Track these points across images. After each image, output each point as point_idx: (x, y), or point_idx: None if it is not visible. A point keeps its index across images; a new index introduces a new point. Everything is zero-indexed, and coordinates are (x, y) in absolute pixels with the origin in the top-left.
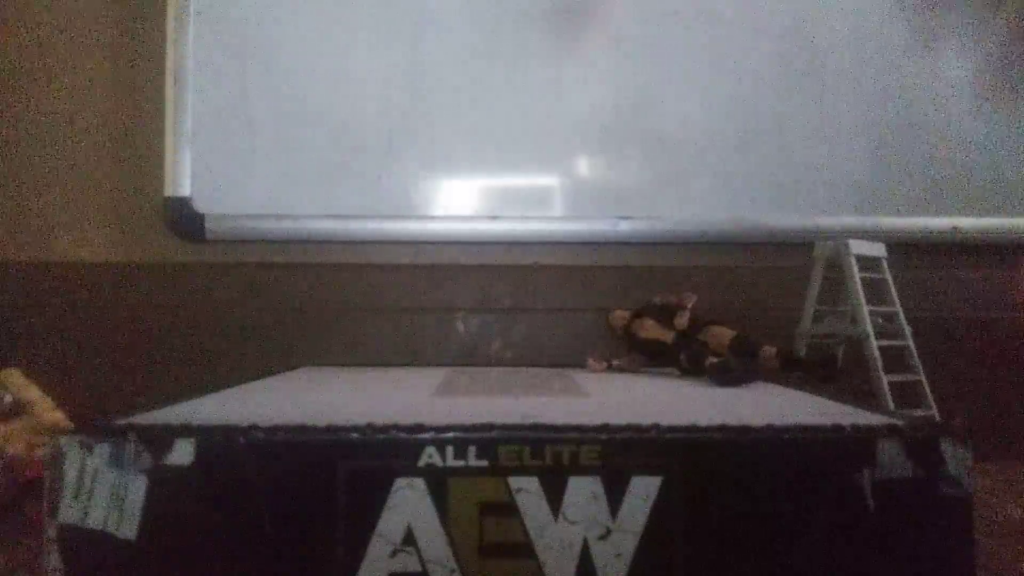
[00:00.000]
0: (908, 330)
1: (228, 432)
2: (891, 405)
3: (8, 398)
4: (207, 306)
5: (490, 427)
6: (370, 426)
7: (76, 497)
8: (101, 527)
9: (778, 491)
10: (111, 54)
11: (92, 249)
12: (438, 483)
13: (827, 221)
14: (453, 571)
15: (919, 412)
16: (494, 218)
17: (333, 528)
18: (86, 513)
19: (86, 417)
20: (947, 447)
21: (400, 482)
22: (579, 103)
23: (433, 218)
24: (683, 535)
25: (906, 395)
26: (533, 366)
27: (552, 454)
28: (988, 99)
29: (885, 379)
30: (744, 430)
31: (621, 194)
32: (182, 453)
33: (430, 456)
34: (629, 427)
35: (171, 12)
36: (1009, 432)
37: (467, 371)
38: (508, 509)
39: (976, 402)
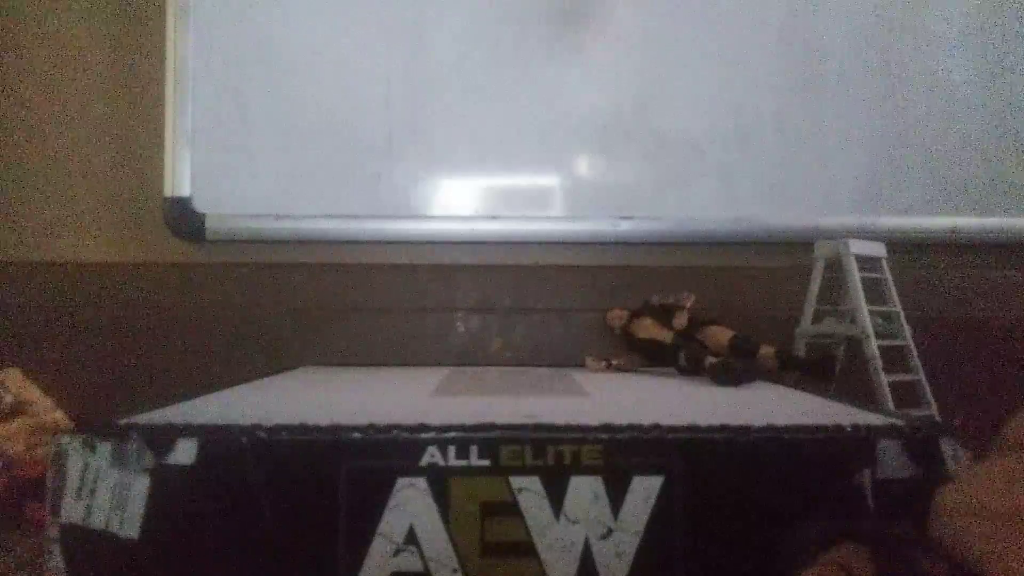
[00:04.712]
0: (908, 330)
1: (230, 432)
2: (891, 405)
3: (8, 398)
4: (207, 306)
5: (492, 427)
6: (372, 426)
7: (79, 496)
8: (103, 527)
9: (779, 490)
10: (111, 54)
11: (92, 249)
12: (440, 483)
13: (827, 221)
14: (455, 570)
15: (919, 412)
16: (494, 218)
17: (335, 527)
18: (88, 512)
19: (87, 417)
20: (947, 447)
21: (402, 482)
22: (579, 103)
23: (433, 218)
24: (684, 535)
25: (906, 395)
26: (533, 366)
27: (554, 454)
28: (988, 98)
29: (885, 379)
30: (745, 430)
31: (621, 194)
32: (184, 452)
33: (432, 456)
34: (630, 427)
35: (171, 12)
36: None
37: (467, 371)
38: (510, 509)
39: (976, 402)
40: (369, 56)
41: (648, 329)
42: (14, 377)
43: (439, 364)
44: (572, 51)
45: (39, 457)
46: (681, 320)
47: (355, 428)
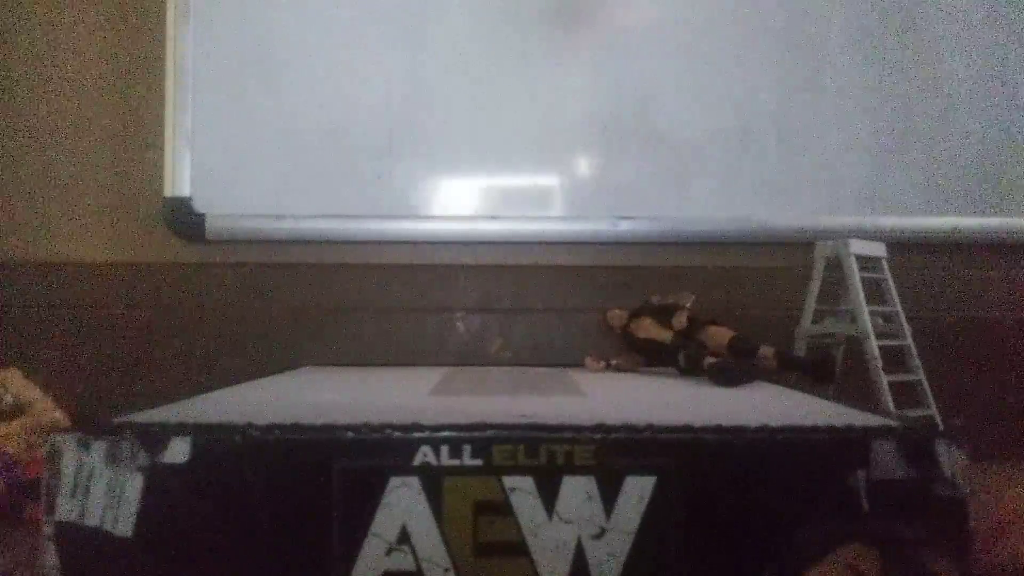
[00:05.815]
0: (908, 330)
1: (224, 430)
2: (891, 405)
3: (8, 398)
4: (207, 306)
5: (485, 426)
6: (365, 425)
7: (73, 495)
8: (98, 524)
9: (773, 491)
10: (111, 54)
11: (92, 249)
12: (433, 482)
13: (827, 221)
14: (447, 570)
15: (919, 412)
16: (494, 218)
17: (328, 527)
18: (83, 511)
19: (86, 417)
20: (942, 448)
21: (395, 481)
22: (579, 103)
23: (433, 218)
24: (677, 535)
25: (906, 395)
26: (533, 366)
27: (547, 453)
28: (988, 98)
29: (885, 379)
30: (738, 430)
31: (621, 194)
32: (178, 451)
33: (425, 455)
34: (624, 427)
35: (171, 12)
36: (1010, 432)
37: (465, 371)
38: (502, 508)
39: (976, 402)
40: (369, 56)
41: (648, 329)
42: (14, 377)
43: (439, 364)
44: (572, 51)
45: (39, 457)
46: (681, 320)
47: (348, 427)
